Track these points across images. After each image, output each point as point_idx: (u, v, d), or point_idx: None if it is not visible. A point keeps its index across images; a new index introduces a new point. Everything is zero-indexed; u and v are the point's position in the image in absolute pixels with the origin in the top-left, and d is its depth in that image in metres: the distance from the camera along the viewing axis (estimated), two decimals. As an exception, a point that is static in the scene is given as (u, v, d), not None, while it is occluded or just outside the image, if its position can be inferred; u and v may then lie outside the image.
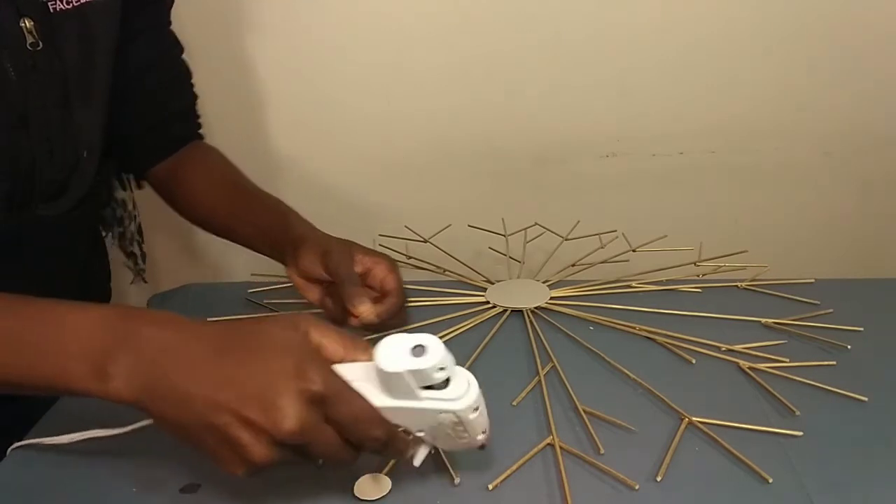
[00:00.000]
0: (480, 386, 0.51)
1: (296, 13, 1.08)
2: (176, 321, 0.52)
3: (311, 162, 1.16)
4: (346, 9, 1.08)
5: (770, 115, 1.11)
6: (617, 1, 1.06)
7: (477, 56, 1.09)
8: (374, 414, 0.49)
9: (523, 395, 0.68)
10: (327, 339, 0.51)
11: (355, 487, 0.57)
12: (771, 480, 0.56)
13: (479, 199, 1.16)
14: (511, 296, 0.84)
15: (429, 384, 0.49)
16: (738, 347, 0.74)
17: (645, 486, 0.56)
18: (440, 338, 0.49)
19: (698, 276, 0.89)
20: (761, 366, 0.71)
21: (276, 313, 0.83)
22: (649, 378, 0.69)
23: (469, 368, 0.51)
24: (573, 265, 0.92)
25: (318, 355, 0.50)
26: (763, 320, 0.78)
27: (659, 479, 0.57)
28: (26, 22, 0.65)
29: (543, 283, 0.88)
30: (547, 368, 0.72)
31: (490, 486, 0.56)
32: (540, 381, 0.70)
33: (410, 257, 0.92)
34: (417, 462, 0.53)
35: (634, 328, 0.78)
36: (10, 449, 0.62)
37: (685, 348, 0.74)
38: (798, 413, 0.64)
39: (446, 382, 0.49)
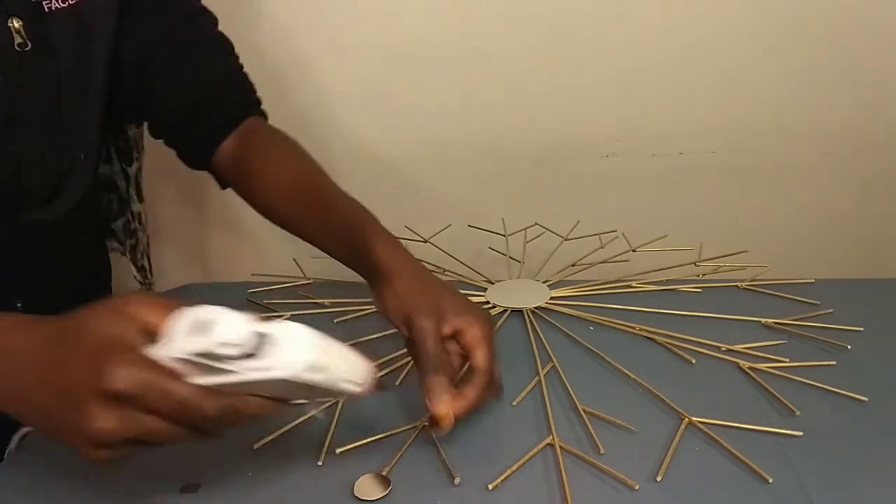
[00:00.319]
0: None
1: (294, 12, 1.08)
2: (9, 325, 0.49)
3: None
4: (346, 8, 1.08)
5: (770, 115, 1.11)
6: (617, 1, 1.06)
7: (477, 56, 1.09)
8: (196, 397, 0.45)
9: (523, 395, 0.68)
10: (153, 316, 0.46)
11: (355, 487, 0.57)
12: (771, 480, 0.56)
13: (479, 199, 1.16)
14: (511, 296, 0.84)
15: (248, 353, 0.45)
16: (738, 347, 0.74)
17: (645, 486, 0.56)
18: None
19: (698, 276, 0.89)
20: (761, 366, 0.71)
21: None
22: (649, 378, 0.69)
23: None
24: (573, 265, 0.92)
25: (131, 346, 0.45)
26: (763, 320, 0.78)
27: (659, 479, 0.57)
28: (14, 22, 0.64)
29: (543, 283, 0.88)
30: (547, 368, 0.72)
31: (490, 486, 0.57)
32: (540, 381, 0.70)
33: (410, 257, 0.92)
34: (308, 411, 0.51)
35: (634, 328, 0.78)
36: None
37: (685, 348, 0.74)
38: (798, 413, 0.64)
39: (269, 348, 0.45)
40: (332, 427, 0.64)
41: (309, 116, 1.12)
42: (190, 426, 0.46)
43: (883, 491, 0.56)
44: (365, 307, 0.84)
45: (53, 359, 0.46)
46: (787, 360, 0.71)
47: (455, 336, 0.62)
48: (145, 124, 0.84)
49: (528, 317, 0.81)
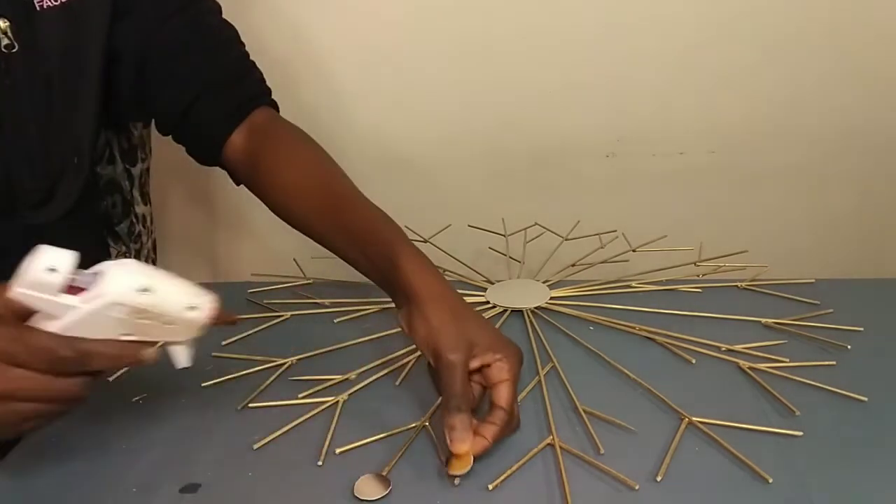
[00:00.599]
0: None
1: (294, 12, 1.08)
2: None
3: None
4: (345, 8, 1.08)
5: (770, 115, 1.11)
6: (617, 1, 1.06)
7: (477, 56, 1.09)
8: (49, 341, 0.49)
9: (523, 394, 0.68)
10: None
11: (355, 487, 0.57)
12: (771, 480, 0.56)
13: (479, 199, 1.16)
14: (511, 296, 0.84)
15: (77, 287, 0.49)
16: (738, 347, 0.74)
17: (645, 486, 0.56)
18: None
19: (698, 276, 0.89)
20: (761, 366, 0.71)
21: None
22: (649, 378, 0.69)
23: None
24: (573, 265, 0.92)
25: None
26: (763, 320, 0.78)
27: (659, 479, 0.57)
28: (0, 23, 0.62)
29: (543, 283, 0.88)
30: (547, 368, 0.72)
31: (490, 486, 0.57)
32: (540, 380, 0.70)
33: (410, 257, 0.92)
34: (179, 363, 0.54)
35: (634, 328, 0.78)
36: None
37: (685, 348, 0.74)
38: (798, 413, 0.64)
39: (101, 280, 0.50)
40: (333, 427, 0.64)
41: (307, 117, 1.12)
42: (53, 373, 0.49)
43: (883, 491, 0.56)
44: (365, 307, 0.84)
45: None
46: (787, 360, 0.71)
47: (481, 369, 0.60)
48: (153, 123, 0.82)
49: (528, 317, 0.81)
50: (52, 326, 0.50)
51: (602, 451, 0.60)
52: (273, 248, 1.14)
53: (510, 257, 0.94)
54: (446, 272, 0.91)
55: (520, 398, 0.67)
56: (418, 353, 0.69)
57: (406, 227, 0.93)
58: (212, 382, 0.71)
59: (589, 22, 1.07)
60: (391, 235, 0.66)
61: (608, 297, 0.85)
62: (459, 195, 1.17)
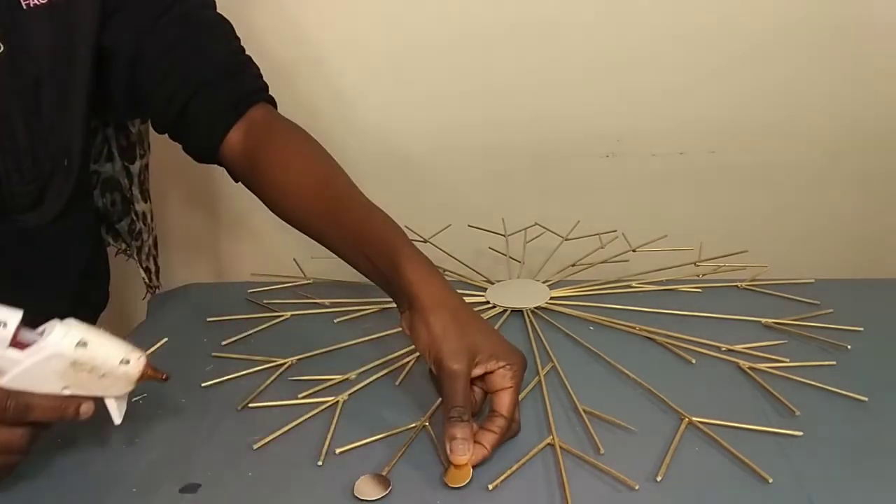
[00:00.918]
0: None
1: (294, 13, 1.08)
2: None
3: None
4: (346, 9, 1.08)
5: (770, 115, 1.11)
6: (618, 1, 1.06)
7: (477, 56, 1.09)
8: None
9: (523, 395, 0.68)
10: None
11: (355, 488, 0.57)
12: (771, 480, 0.56)
13: (479, 199, 1.16)
14: (511, 296, 0.84)
15: (23, 343, 0.53)
16: (738, 347, 0.74)
17: (645, 486, 0.56)
18: None
19: (698, 276, 0.89)
20: (761, 366, 0.70)
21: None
22: (649, 378, 0.69)
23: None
24: (573, 265, 0.92)
25: None
26: (763, 320, 0.78)
27: (659, 479, 0.57)
28: None
29: (543, 283, 0.88)
30: (547, 368, 0.72)
31: (490, 486, 0.56)
32: (540, 381, 0.70)
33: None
34: (113, 418, 0.57)
35: (634, 328, 0.78)
36: None
37: (685, 348, 0.74)
38: (798, 413, 0.64)
39: (42, 339, 0.53)
40: (333, 427, 0.64)
41: (307, 117, 1.12)
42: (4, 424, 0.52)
43: (883, 491, 0.56)
44: (365, 307, 0.84)
45: None
46: (787, 360, 0.71)
47: (484, 376, 0.60)
48: (150, 121, 0.81)
49: (528, 317, 0.81)
50: None
51: (602, 451, 0.60)
52: (273, 248, 1.14)
53: (510, 257, 0.94)
54: (446, 272, 0.91)
55: (520, 399, 0.67)
56: (418, 353, 0.69)
57: (406, 227, 0.93)
58: (212, 382, 0.71)
59: (589, 22, 1.07)
60: (392, 237, 0.65)
61: (608, 297, 0.85)
62: (459, 195, 1.17)
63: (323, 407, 0.67)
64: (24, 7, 0.64)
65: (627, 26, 1.07)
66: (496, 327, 0.79)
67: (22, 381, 0.53)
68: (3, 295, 0.52)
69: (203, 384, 0.71)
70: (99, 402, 0.56)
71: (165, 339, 0.68)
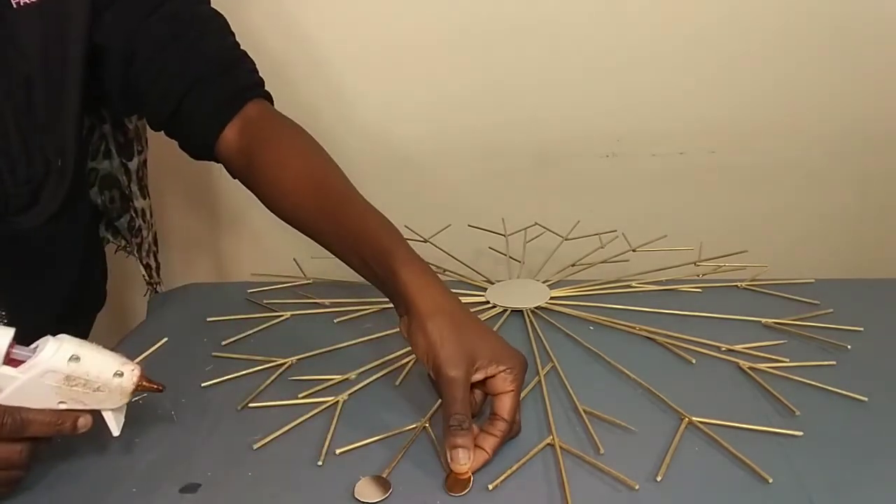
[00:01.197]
0: None
1: (294, 13, 1.08)
2: None
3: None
4: (346, 9, 1.08)
5: (770, 114, 1.11)
6: (618, 1, 1.06)
7: (477, 56, 1.09)
8: None
9: (523, 395, 0.68)
10: None
11: (356, 490, 0.56)
12: (771, 480, 0.56)
13: (479, 199, 1.16)
14: (511, 296, 0.84)
15: (17, 360, 0.54)
16: (738, 347, 0.74)
17: (645, 486, 0.56)
18: None
19: (698, 276, 0.89)
20: (761, 366, 0.70)
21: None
22: (649, 378, 0.69)
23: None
24: (573, 265, 0.92)
25: None
26: (763, 320, 0.78)
27: (659, 479, 0.57)
28: None
29: (543, 283, 0.88)
30: (547, 368, 0.72)
31: (490, 487, 0.56)
32: (540, 381, 0.70)
33: (410, 257, 0.92)
34: (111, 430, 0.57)
35: (634, 328, 0.78)
36: None
37: (685, 348, 0.74)
38: (798, 413, 0.64)
39: (35, 355, 0.54)
40: (333, 427, 0.64)
41: (307, 116, 1.12)
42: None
43: (883, 491, 0.56)
44: (365, 307, 0.84)
45: None
46: (787, 360, 0.71)
47: (485, 380, 0.60)
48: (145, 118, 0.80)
49: (528, 317, 0.81)
50: None
51: (602, 451, 0.60)
52: (273, 248, 1.14)
53: (510, 257, 0.94)
54: (446, 272, 0.91)
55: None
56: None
57: (406, 226, 0.93)
58: (212, 382, 0.71)
59: (589, 22, 1.07)
60: (388, 240, 0.64)
61: (608, 297, 0.85)
62: (459, 195, 1.17)
63: (323, 407, 0.67)
64: (14, 6, 0.63)
65: (627, 26, 1.07)
66: (496, 327, 0.79)
67: (18, 397, 0.54)
68: None
69: (203, 384, 0.71)
70: (97, 415, 0.57)
71: (165, 339, 0.68)
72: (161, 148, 0.89)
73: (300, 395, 0.69)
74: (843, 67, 1.08)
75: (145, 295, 0.94)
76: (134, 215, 0.89)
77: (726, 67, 1.08)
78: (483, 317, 0.81)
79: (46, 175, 0.70)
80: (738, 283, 0.86)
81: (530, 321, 0.80)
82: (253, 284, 0.90)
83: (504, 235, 0.97)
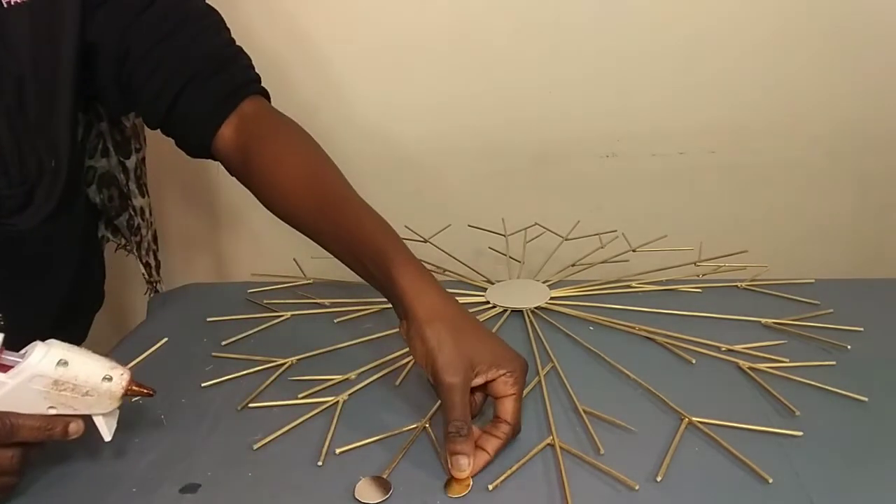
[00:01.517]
0: None
1: (294, 12, 1.08)
2: None
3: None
4: (346, 9, 1.08)
5: (770, 115, 1.11)
6: (617, 1, 1.06)
7: (477, 56, 1.09)
8: None
9: (523, 395, 0.68)
10: None
11: (356, 491, 0.56)
12: (771, 480, 0.56)
13: (479, 199, 1.16)
14: (511, 296, 0.84)
15: (5, 365, 0.54)
16: (738, 347, 0.74)
17: (645, 486, 0.56)
18: None
19: (698, 276, 0.89)
20: (761, 366, 0.70)
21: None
22: (649, 378, 0.69)
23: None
24: (573, 265, 0.92)
25: None
26: (763, 320, 0.78)
27: (659, 479, 0.57)
28: None
29: (543, 283, 0.88)
30: (547, 368, 0.72)
31: (490, 487, 0.56)
32: (540, 381, 0.70)
33: (410, 257, 0.92)
34: (103, 435, 0.57)
35: (634, 328, 0.78)
36: None
37: (685, 348, 0.74)
38: (798, 413, 0.64)
39: (23, 360, 0.54)
40: (333, 427, 0.64)
41: (307, 116, 1.12)
42: None
43: (883, 491, 0.56)
44: (365, 307, 0.84)
45: None
46: (787, 360, 0.71)
47: (485, 384, 0.60)
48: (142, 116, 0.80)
49: (528, 317, 0.81)
50: None
51: (602, 451, 0.60)
52: (273, 247, 1.14)
53: (510, 257, 0.94)
54: (446, 272, 0.91)
55: (520, 398, 0.67)
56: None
57: (406, 227, 0.94)
58: (212, 382, 0.71)
59: (589, 22, 1.07)
60: (384, 243, 0.63)
61: (608, 297, 0.85)
62: (459, 195, 1.17)
63: (323, 407, 0.67)
64: (5, 5, 0.63)
65: (627, 26, 1.07)
66: (496, 327, 0.79)
67: (7, 402, 0.54)
68: None
69: (203, 384, 0.71)
70: (89, 421, 0.57)
71: (165, 339, 0.68)
72: (160, 146, 0.88)
73: (300, 396, 0.69)
74: (843, 68, 1.08)
75: (145, 294, 0.94)
76: (133, 213, 0.89)
77: (726, 67, 1.08)
78: (483, 317, 0.81)
79: (40, 176, 0.70)
80: (738, 283, 0.86)
81: (530, 321, 0.80)
82: (253, 284, 0.90)
83: (504, 235, 0.97)
